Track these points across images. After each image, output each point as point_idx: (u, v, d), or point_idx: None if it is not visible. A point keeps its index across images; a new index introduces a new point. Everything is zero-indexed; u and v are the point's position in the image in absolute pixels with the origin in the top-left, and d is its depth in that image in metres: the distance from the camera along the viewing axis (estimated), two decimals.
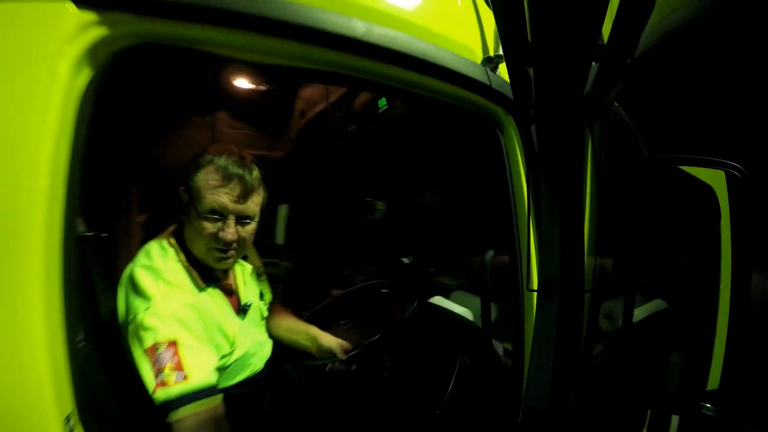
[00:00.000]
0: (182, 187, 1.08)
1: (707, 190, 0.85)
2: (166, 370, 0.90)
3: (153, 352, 0.91)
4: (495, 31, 1.04)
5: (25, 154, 0.65)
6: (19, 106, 0.65)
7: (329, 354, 1.31)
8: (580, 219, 1.01)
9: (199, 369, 0.93)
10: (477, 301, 1.51)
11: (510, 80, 0.86)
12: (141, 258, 1.06)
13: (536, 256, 1.15)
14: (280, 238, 2.61)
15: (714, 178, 0.84)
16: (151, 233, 1.18)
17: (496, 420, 1.46)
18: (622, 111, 1.10)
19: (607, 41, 0.66)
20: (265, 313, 1.34)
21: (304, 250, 2.61)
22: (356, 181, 2.44)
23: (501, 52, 1.01)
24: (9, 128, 0.65)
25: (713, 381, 0.84)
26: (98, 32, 0.73)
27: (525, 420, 1.05)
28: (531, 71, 0.79)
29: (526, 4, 0.63)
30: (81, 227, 0.98)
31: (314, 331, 1.39)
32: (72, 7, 0.70)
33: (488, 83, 0.99)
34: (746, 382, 1.05)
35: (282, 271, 2.52)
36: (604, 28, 0.71)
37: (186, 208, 1.08)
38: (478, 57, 1.04)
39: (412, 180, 2.26)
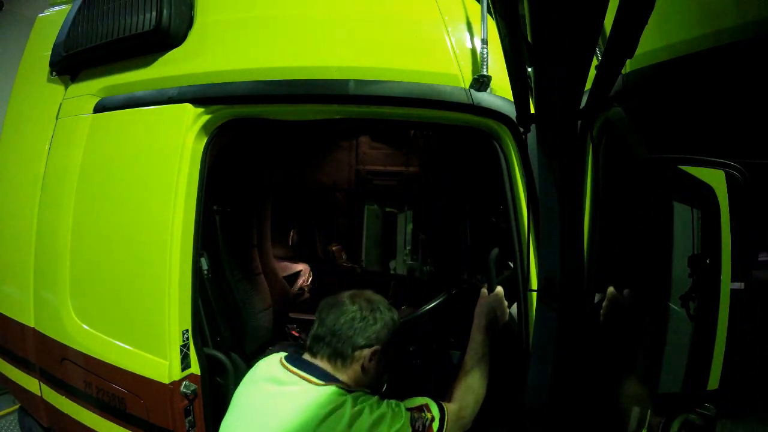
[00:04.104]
0: (375, 350, 1.16)
1: (707, 190, 0.84)
2: None
3: None
4: (485, 53, 1.16)
5: (173, 176, 1.31)
6: (170, 156, 1.32)
7: None
8: (580, 219, 1.01)
9: None
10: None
11: (510, 81, 0.86)
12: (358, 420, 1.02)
13: (536, 257, 1.15)
14: (408, 243, 2.88)
15: (714, 178, 0.84)
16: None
17: (499, 417, 1.46)
18: (622, 111, 1.10)
19: (607, 41, 0.66)
20: None
21: (441, 255, 2.73)
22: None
23: (486, 72, 1.16)
24: (166, 165, 1.33)
25: (713, 381, 0.84)
26: (206, 117, 1.36)
27: (525, 420, 1.05)
28: (531, 71, 0.79)
29: (526, 5, 0.62)
30: (216, 206, 1.85)
31: None
32: (190, 106, 1.34)
33: (471, 102, 1.18)
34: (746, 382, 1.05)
35: (424, 275, 2.75)
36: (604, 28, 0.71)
37: (373, 367, 1.16)
38: (468, 80, 1.19)
39: None
